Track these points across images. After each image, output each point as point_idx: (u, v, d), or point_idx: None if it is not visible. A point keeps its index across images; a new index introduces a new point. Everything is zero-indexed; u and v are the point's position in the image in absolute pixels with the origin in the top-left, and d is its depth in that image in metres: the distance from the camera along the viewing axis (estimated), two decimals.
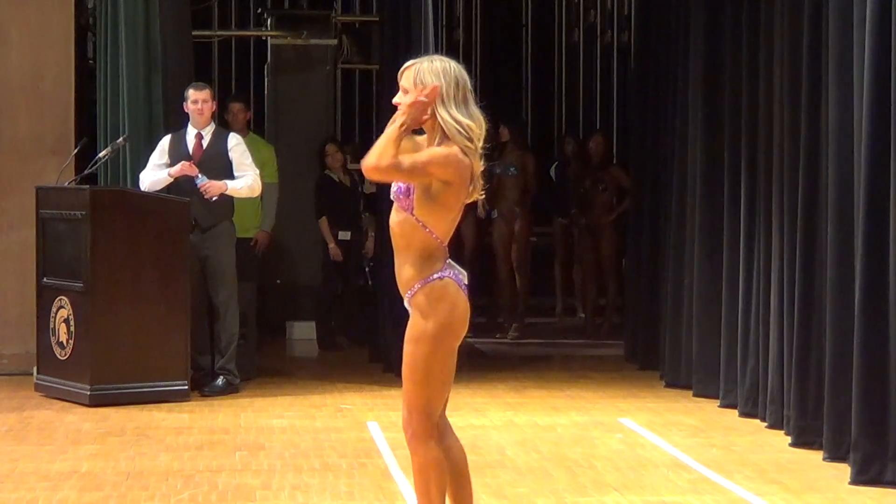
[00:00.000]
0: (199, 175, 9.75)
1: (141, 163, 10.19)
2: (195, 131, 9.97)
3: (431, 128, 5.22)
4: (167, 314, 9.51)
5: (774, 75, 8.70)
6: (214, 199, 9.78)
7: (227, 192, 9.83)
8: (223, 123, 10.90)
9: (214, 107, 10.08)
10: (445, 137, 5.17)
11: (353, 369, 11.10)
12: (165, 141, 9.99)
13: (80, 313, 9.43)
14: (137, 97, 10.29)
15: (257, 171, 9.98)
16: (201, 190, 9.72)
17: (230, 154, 9.94)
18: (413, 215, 5.20)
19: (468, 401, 9.38)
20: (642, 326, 11.21)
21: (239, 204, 10.15)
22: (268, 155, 11.48)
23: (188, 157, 9.86)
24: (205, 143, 9.96)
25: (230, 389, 9.87)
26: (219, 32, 16.20)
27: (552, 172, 14.71)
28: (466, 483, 5.38)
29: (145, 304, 9.47)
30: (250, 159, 10.00)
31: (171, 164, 9.84)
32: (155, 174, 9.85)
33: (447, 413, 5.38)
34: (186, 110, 9.98)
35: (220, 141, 9.99)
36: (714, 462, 7.74)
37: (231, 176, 9.89)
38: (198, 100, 9.93)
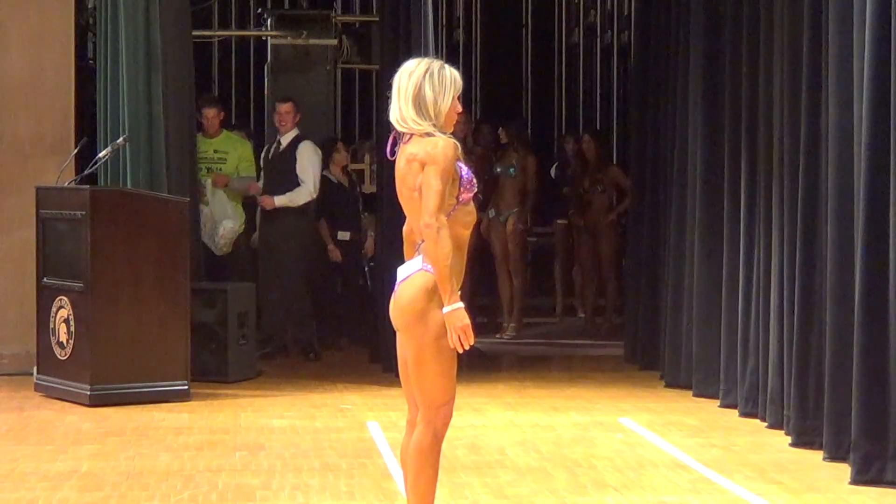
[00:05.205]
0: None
1: (141, 163, 10.21)
2: (278, 138, 11.84)
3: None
4: (167, 314, 9.52)
5: (774, 75, 8.70)
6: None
7: (277, 205, 11.55)
8: (199, 127, 11.44)
9: (298, 117, 11.73)
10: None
11: (353, 369, 11.10)
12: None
13: (80, 313, 9.43)
14: (137, 97, 10.29)
15: (309, 180, 11.59)
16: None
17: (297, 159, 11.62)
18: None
19: (468, 401, 9.37)
20: (642, 326, 11.20)
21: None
22: (244, 151, 11.81)
23: (268, 162, 11.77)
24: (280, 148, 11.72)
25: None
26: (219, 32, 16.22)
27: (553, 172, 14.73)
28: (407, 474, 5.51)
29: (145, 304, 9.47)
30: (307, 166, 11.57)
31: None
32: None
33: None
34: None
35: (291, 148, 11.63)
36: (714, 462, 7.74)
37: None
38: (280, 111, 11.70)
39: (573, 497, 6.95)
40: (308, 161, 11.62)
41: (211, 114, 11.56)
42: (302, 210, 11.69)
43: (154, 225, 9.57)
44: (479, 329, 12.57)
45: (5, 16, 10.73)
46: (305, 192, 11.59)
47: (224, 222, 11.32)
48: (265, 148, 11.98)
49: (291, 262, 11.66)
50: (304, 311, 11.78)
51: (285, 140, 11.71)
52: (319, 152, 11.77)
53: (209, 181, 11.31)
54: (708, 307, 9.77)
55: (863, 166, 7.15)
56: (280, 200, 11.55)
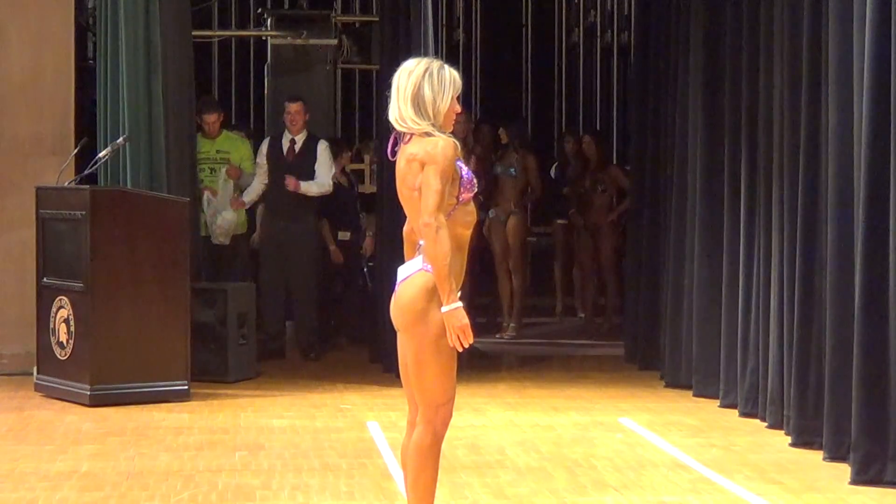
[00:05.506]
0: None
1: (141, 163, 10.21)
2: (290, 137, 11.73)
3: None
4: (167, 314, 9.52)
5: (774, 75, 8.70)
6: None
7: (301, 190, 11.56)
8: (198, 128, 11.44)
9: (307, 116, 11.76)
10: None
11: (353, 369, 11.10)
12: (264, 145, 11.83)
13: (80, 313, 9.43)
14: (137, 97, 10.28)
15: (325, 176, 11.65)
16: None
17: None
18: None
19: (468, 401, 9.38)
20: (642, 326, 11.20)
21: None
22: (245, 150, 11.89)
23: (280, 160, 11.62)
24: (297, 147, 11.69)
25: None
26: (219, 32, 16.23)
27: (552, 172, 14.73)
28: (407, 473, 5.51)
29: (145, 304, 9.47)
30: (324, 167, 11.66)
31: (268, 165, 11.64)
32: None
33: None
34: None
35: (310, 147, 11.68)
36: (714, 462, 7.74)
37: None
38: (290, 111, 11.66)
39: (573, 497, 6.95)
40: (326, 160, 11.70)
41: (212, 119, 11.58)
42: (313, 211, 11.70)
43: (154, 225, 9.57)
44: (479, 329, 12.58)
45: (5, 16, 10.73)
46: (325, 184, 11.66)
47: (224, 213, 11.38)
48: (266, 145, 11.88)
49: (302, 263, 11.68)
50: (310, 312, 11.80)
51: (300, 139, 11.72)
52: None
53: (223, 170, 11.44)
54: (708, 307, 9.78)
55: (863, 166, 7.15)
56: (304, 186, 11.58)
